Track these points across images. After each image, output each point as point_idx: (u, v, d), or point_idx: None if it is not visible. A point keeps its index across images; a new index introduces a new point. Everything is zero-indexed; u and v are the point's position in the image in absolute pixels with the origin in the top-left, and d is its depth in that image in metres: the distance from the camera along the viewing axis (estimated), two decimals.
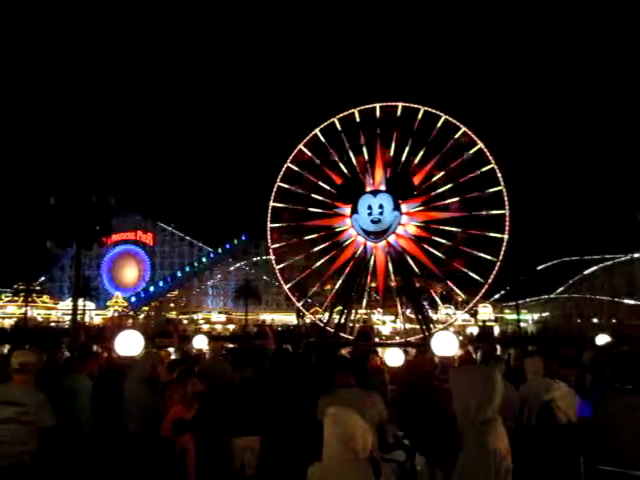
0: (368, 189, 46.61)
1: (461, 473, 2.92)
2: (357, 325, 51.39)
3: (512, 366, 8.50)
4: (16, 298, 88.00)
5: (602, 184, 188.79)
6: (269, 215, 49.11)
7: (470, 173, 45.01)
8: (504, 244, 43.20)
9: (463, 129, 45.10)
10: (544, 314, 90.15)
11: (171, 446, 5.31)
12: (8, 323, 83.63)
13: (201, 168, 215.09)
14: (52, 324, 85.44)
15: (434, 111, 46.03)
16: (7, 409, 4.31)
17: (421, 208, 46.57)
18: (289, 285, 49.78)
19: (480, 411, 2.90)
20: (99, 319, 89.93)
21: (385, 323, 64.25)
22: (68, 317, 75.54)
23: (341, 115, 48.06)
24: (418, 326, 47.79)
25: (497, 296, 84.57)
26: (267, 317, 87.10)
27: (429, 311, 50.65)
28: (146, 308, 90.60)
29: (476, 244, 44.43)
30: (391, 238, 46.11)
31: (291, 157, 48.90)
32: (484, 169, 44.45)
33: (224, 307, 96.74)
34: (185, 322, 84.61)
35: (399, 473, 5.20)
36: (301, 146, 48.69)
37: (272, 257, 50.67)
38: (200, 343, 13.00)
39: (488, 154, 44.41)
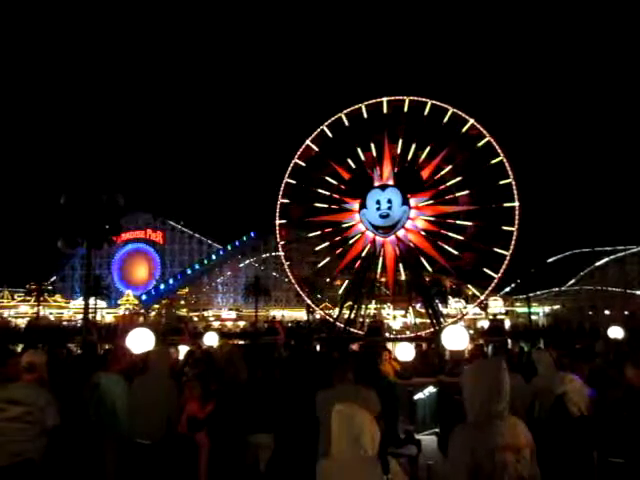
0: (376, 184, 46.46)
1: (444, 465, 2.97)
2: (367, 320, 51.38)
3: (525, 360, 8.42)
4: (28, 298, 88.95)
5: (613, 175, 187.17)
6: (277, 211, 49.10)
7: (479, 166, 44.80)
8: (514, 237, 42.96)
9: (471, 121, 44.77)
10: (555, 307, 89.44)
11: (189, 442, 5.31)
12: (21, 322, 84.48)
13: (209, 166, 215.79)
14: (64, 323, 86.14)
15: (441, 104, 45.79)
16: (13, 408, 4.32)
17: (430, 202, 46.41)
18: (298, 281, 49.84)
19: (483, 407, 2.89)
20: (110, 317, 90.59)
21: (395, 318, 64.04)
22: (80, 316, 76.13)
23: (348, 110, 47.90)
24: (428, 320, 47.70)
25: (508, 289, 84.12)
26: (277, 313, 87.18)
27: (439, 305, 50.50)
28: (157, 306, 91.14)
29: (486, 237, 44.25)
30: (400, 232, 45.95)
31: (298, 153, 48.81)
32: (493, 161, 44.18)
33: (234, 304, 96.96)
34: (196, 319, 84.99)
35: (410, 468, 5.20)
36: (308, 142, 48.59)
37: (281, 253, 50.71)
38: (211, 340, 13.02)
39: (497, 146, 44.13)
